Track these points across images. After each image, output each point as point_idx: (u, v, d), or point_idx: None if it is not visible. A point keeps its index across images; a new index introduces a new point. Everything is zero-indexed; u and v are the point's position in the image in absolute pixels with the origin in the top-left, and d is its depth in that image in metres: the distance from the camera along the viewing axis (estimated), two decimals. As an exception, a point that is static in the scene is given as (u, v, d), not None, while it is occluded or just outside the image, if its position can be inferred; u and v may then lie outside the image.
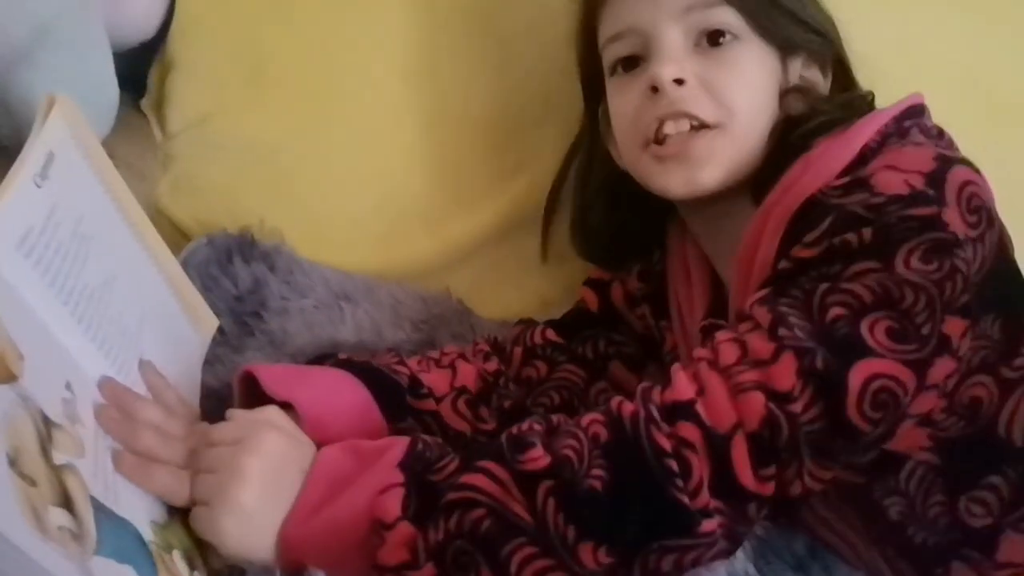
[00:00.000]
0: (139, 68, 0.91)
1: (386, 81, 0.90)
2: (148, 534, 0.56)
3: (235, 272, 0.83)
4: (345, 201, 0.91)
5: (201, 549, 0.60)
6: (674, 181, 0.70)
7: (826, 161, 0.64)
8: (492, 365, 0.80)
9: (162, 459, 0.60)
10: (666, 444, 0.54)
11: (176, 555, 0.58)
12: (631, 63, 0.73)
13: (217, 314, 0.77)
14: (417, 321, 0.88)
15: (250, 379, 0.69)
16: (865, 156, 0.63)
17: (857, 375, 0.55)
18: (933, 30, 0.89)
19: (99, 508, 0.52)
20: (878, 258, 0.58)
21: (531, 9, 0.89)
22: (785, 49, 0.72)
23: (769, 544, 0.64)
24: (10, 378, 0.50)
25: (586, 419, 0.57)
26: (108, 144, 0.72)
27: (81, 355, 0.59)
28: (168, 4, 0.88)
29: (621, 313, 0.83)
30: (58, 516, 0.48)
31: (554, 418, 0.59)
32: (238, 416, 0.62)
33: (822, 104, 0.71)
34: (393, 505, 0.56)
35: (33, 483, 0.48)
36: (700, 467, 0.54)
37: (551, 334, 0.82)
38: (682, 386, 0.56)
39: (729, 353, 0.57)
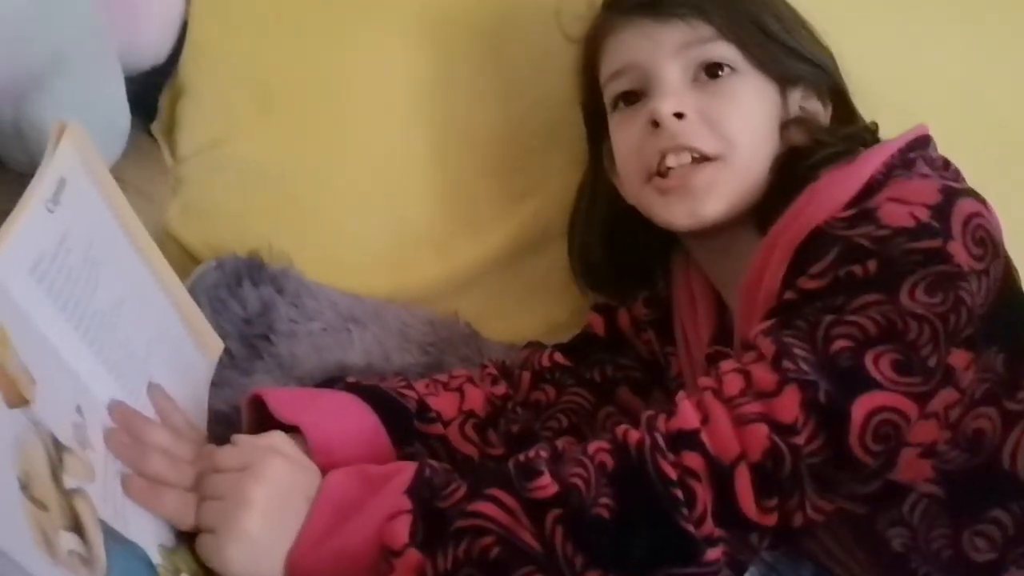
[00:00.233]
0: (150, 92, 0.92)
1: (395, 107, 0.91)
2: (157, 558, 0.56)
3: (244, 295, 0.84)
4: (353, 225, 0.91)
5: (209, 574, 0.60)
6: (678, 213, 0.71)
7: (832, 192, 0.64)
8: (500, 389, 0.80)
9: (171, 483, 0.60)
10: (671, 473, 0.54)
11: (184, 579, 0.58)
12: (632, 97, 0.75)
13: (225, 337, 0.78)
14: (425, 344, 0.88)
15: (258, 402, 0.69)
16: (871, 188, 0.64)
17: (860, 408, 0.55)
18: (934, 57, 0.90)
19: (108, 532, 0.52)
20: (883, 290, 0.58)
21: (539, 37, 0.89)
22: (783, 81, 0.73)
23: (776, 570, 0.64)
24: (22, 403, 0.50)
25: (592, 447, 0.57)
26: (118, 168, 0.73)
27: (91, 379, 0.59)
28: (179, 29, 0.89)
29: (628, 338, 0.84)
30: (68, 540, 0.48)
31: (560, 444, 0.60)
32: (243, 442, 0.62)
33: (825, 135, 0.71)
34: (401, 532, 0.56)
35: (44, 508, 0.48)
36: (704, 496, 0.54)
37: (559, 357, 0.82)
38: (687, 415, 0.57)
39: (733, 384, 0.57)
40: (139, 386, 0.65)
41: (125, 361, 0.63)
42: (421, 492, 0.58)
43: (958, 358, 0.58)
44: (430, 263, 0.92)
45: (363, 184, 0.92)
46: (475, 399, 0.78)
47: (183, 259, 0.88)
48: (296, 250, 0.88)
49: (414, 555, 0.55)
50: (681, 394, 0.59)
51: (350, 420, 0.70)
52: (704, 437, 0.56)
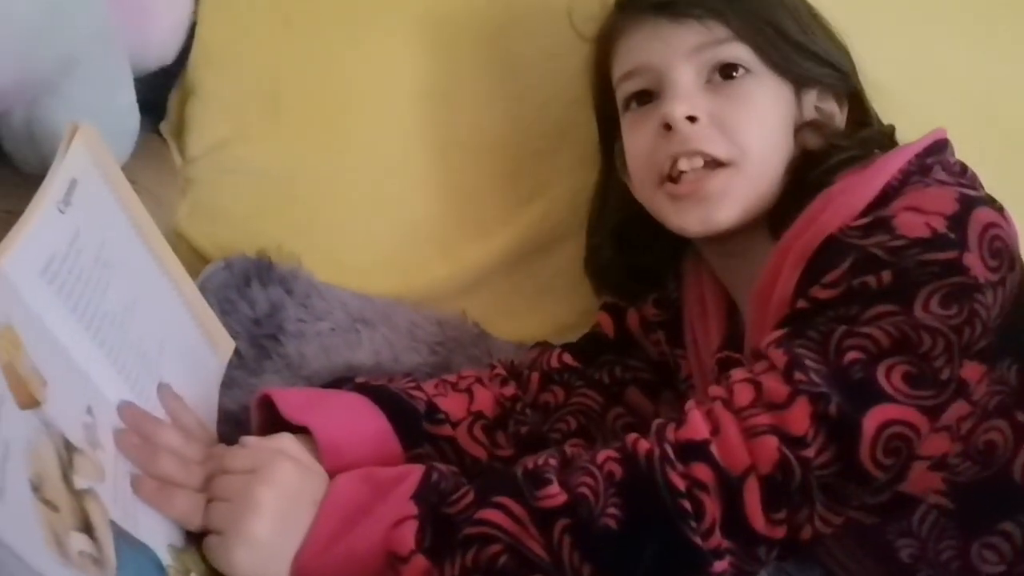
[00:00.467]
0: (159, 93, 0.92)
1: (402, 108, 0.91)
2: (166, 558, 0.57)
3: (253, 296, 0.84)
4: (362, 226, 0.91)
5: (218, 575, 0.60)
6: (690, 220, 0.70)
7: (847, 199, 0.64)
8: (509, 390, 0.80)
9: (180, 483, 0.60)
10: (680, 484, 0.54)
11: (194, 579, 0.58)
12: (644, 98, 0.74)
13: (234, 337, 0.78)
14: (433, 344, 0.88)
15: (268, 403, 0.69)
16: (887, 194, 0.63)
17: (871, 421, 0.55)
18: (947, 59, 0.90)
19: (118, 532, 0.53)
20: (897, 301, 0.58)
21: (547, 38, 0.89)
22: (799, 83, 0.73)
23: (786, 572, 0.64)
24: (33, 404, 0.50)
25: (601, 456, 0.57)
26: (127, 169, 0.73)
27: (102, 380, 0.59)
28: (188, 30, 0.89)
29: (637, 339, 0.83)
30: (79, 541, 0.49)
31: (568, 450, 0.59)
32: (251, 444, 0.62)
33: (840, 139, 0.71)
34: (408, 538, 0.56)
35: (55, 508, 0.48)
36: (712, 508, 0.54)
37: (568, 358, 0.82)
38: (697, 425, 0.56)
39: (744, 394, 0.57)
40: (150, 386, 0.65)
41: (136, 361, 0.63)
42: (428, 497, 0.58)
43: (971, 371, 0.58)
44: (438, 264, 0.93)
45: (371, 185, 0.92)
46: (484, 400, 0.78)
47: (192, 259, 0.88)
48: (304, 251, 0.88)
49: (421, 561, 0.56)
50: (691, 403, 0.59)
51: (359, 421, 0.70)
52: (714, 448, 0.55)
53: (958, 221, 0.60)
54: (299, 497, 0.59)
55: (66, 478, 0.50)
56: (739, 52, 0.71)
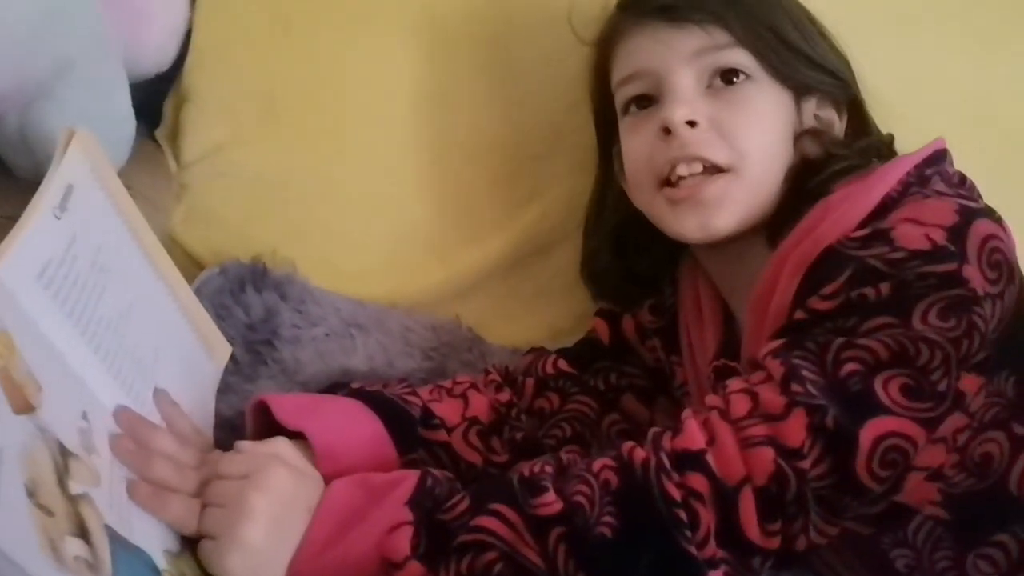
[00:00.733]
0: (154, 99, 0.92)
1: (398, 112, 0.91)
2: (162, 563, 0.56)
3: (247, 301, 0.84)
4: (358, 230, 0.92)
5: (213, 579, 0.60)
6: (688, 225, 0.70)
7: (846, 209, 0.64)
8: (504, 396, 0.80)
9: (175, 488, 0.60)
10: (676, 494, 0.54)
11: (189, 584, 0.58)
12: (643, 102, 0.74)
13: (230, 342, 0.78)
14: (427, 349, 0.88)
15: (263, 408, 0.69)
16: (886, 205, 0.63)
17: (868, 433, 0.55)
18: (944, 66, 0.90)
19: (114, 537, 0.53)
20: (895, 314, 0.58)
21: (543, 41, 0.89)
22: (799, 90, 0.72)
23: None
24: (29, 409, 0.50)
25: (597, 464, 0.57)
26: (123, 174, 0.73)
27: (97, 385, 0.59)
28: (184, 36, 0.89)
29: (632, 345, 0.83)
30: (74, 546, 0.49)
31: (564, 457, 0.59)
32: (246, 449, 0.62)
33: (839, 148, 0.70)
34: (402, 544, 0.56)
35: (50, 514, 0.48)
36: (707, 518, 0.54)
37: (563, 364, 0.82)
38: (693, 435, 0.56)
39: (740, 405, 0.57)
40: (146, 392, 0.65)
41: (132, 366, 0.63)
42: (423, 502, 0.58)
43: (968, 383, 0.58)
44: (433, 269, 0.93)
45: (367, 190, 0.92)
46: (479, 406, 0.78)
47: (187, 265, 0.88)
48: (299, 256, 0.88)
49: (416, 568, 0.56)
50: (687, 412, 0.59)
51: (355, 426, 0.70)
52: (710, 458, 0.55)
53: (957, 233, 0.60)
54: (293, 502, 0.59)
55: (61, 483, 0.50)
56: (740, 58, 0.71)
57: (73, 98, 0.73)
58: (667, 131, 0.70)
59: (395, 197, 0.92)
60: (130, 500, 0.57)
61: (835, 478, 0.55)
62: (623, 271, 0.82)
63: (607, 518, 0.54)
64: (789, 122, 0.71)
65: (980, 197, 0.66)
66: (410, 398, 0.75)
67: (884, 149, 0.71)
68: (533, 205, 0.92)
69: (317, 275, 0.88)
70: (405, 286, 0.91)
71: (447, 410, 0.76)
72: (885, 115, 0.76)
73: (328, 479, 0.62)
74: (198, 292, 0.81)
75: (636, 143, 0.74)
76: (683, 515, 0.54)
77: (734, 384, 0.59)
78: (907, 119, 0.74)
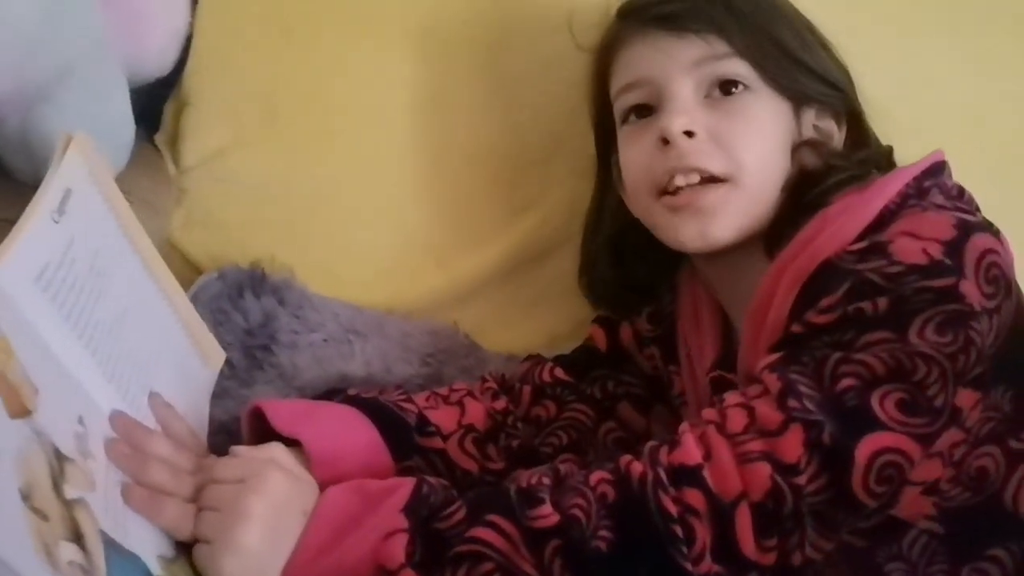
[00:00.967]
0: (154, 103, 0.92)
1: (397, 119, 0.91)
2: (156, 568, 0.56)
3: (245, 306, 0.84)
4: (356, 236, 0.92)
5: (208, 585, 0.60)
6: (687, 234, 0.70)
7: (844, 222, 0.63)
8: (500, 404, 0.80)
9: (171, 493, 0.60)
10: (673, 509, 0.54)
11: (183, 590, 0.58)
12: (642, 112, 0.74)
13: (227, 347, 0.78)
14: (425, 355, 0.88)
15: (258, 414, 0.69)
16: (884, 218, 0.63)
17: (864, 449, 0.55)
18: (942, 76, 0.90)
19: (108, 542, 0.53)
20: (892, 328, 0.58)
21: (543, 48, 0.89)
22: (798, 101, 0.72)
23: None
24: (24, 413, 0.50)
25: (595, 477, 0.57)
26: (122, 178, 0.73)
27: (93, 388, 0.59)
28: (184, 41, 0.89)
29: (630, 353, 0.83)
30: (69, 551, 0.49)
31: (562, 468, 0.59)
32: (242, 453, 0.62)
33: (837, 159, 0.70)
34: (397, 551, 0.56)
35: (45, 518, 0.48)
36: (703, 534, 0.54)
37: (560, 373, 0.82)
38: (690, 449, 0.56)
39: (737, 420, 0.57)
40: (141, 396, 0.65)
41: (128, 371, 0.63)
42: (418, 510, 0.58)
43: (965, 398, 0.58)
44: (431, 275, 0.93)
45: (366, 195, 0.92)
46: (475, 413, 0.78)
47: (186, 269, 0.88)
48: (298, 261, 0.88)
49: (410, 575, 0.55)
50: (684, 425, 0.59)
51: (350, 433, 0.70)
52: (706, 474, 0.55)
53: (955, 247, 0.59)
54: (289, 507, 0.59)
55: (57, 487, 0.50)
56: (739, 68, 0.70)
57: (73, 102, 0.73)
58: (665, 141, 0.70)
59: (394, 203, 0.92)
60: (125, 505, 0.57)
61: (831, 494, 0.55)
62: (621, 279, 0.82)
63: (603, 532, 0.55)
64: (788, 132, 0.71)
65: (978, 210, 0.66)
66: (406, 405, 0.75)
67: (883, 161, 0.71)
68: (532, 212, 0.92)
69: (315, 280, 0.88)
70: (403, 292, 0.91)
71: (443, 417, 0.76)
72: (883, 124, 0.76)
73: (323, 485, 0.62)
74: (196, 297, 0.81)
75: (634, 152, 0.74)
76: (679, 531, 0.54)
77: (731, 398, 0.59)
78: (905, 129, 0.74)
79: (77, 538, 0.50)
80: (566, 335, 0.90)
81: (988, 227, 0.63)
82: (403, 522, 0.57)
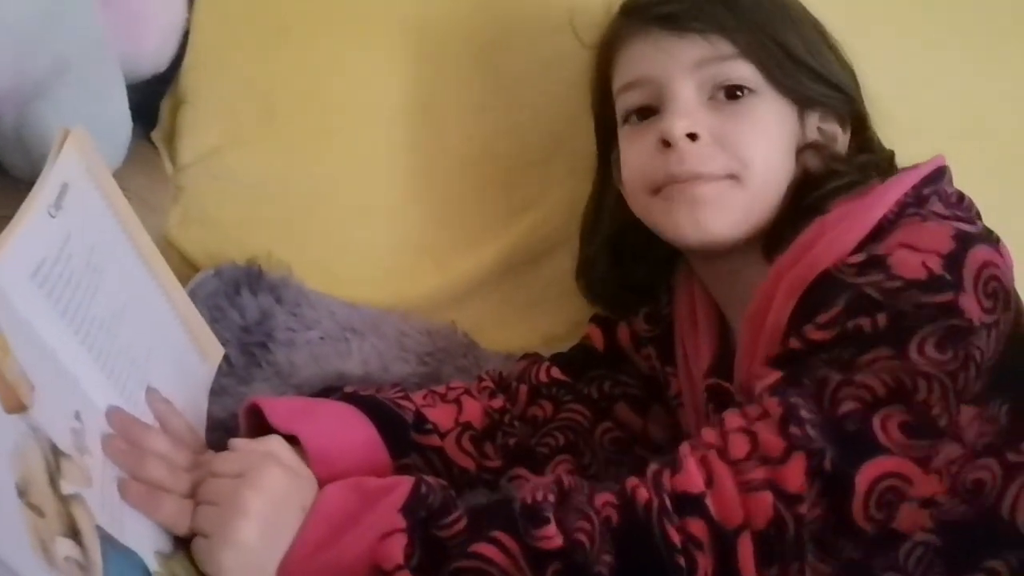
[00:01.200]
0: (151, 100, 0.92)
1: (395, 118, 0.91)
2: (153, 564, 0.56)
3: (242, 303, 0.84)
4: (353, 235, 0.92)
5: (205, 580, 0.60)
6: (683, 222, 0.69)
7: (842, 230, 0.63)
8: (498, 402, 0.80)
9: (168, 488, 0.60)
10: (676, 539, 0.54)
11: (181, 586, 0.58)
12: (644, 112, 0.72)
13: (224, 345, 0.78)
14: (422, 354, 0.88)
15: (256, 411, 0.69)
16: (883, 227, 0.62)
17: (865, 476, 0.55)
18: (937, 76, 0.90)
19: (105, 538, 0.52)
20: (892, 345, 0.57)
21: (541, 48, 0.89)
22: (802, 103, 0.71)
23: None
24: (21, 409, 0.50)
25: (600, 499, 0.57)
26: (118, 176, 0.73)
27: (90, 384, 0.59)
28: (181, 38, 0.89)
29: (627, 353, 0.83)
30: (65, 547, 0.48)
31: (566, 481, 0.59)
32: (241, 447, 0.62)
33: (839, 164, 0.69)
34: (394, 552, 0.56)
35: (41, 514, 0.48)
36: (705, 564, 0.54)
37: (556, 372, 0.81)
38: (692, 476, 0.56)
39: (739, 446, 0.57)
40: (138, 391, 0.65)
41: (125, 366, 0.63)
42: (416, 510, 0.57)
43: (964, 413, 0.57)
44: (429, 274, 0.93)
45: (362, 195, 0.92)
46: (472, 411, 0.78)
47: (182, 267, 0.88)
48: (295, 260, 0.88)
49: None
50: (685, 448, 0.58)
51: (348, 431, 0.70)
52: (709, 502, 0.55)
53: (954, 260, 0.59)
54: (287, 502, 0.59)
55: (53, 483, 0.50)
56: (743, 70, 0.69)
57: (70, 99, 0.73)
58: (667, 143, 0.68)
59: (391, 202, 0.92)
60: (122, 500, 0.57)
61: (830, 519, 0.55)
62: (619, 279, 0.81)
63: (606, 556, 0.54)
64: (792, 135, 0.70)
65: (978, 216, 0.66)
66: (403, 403, 0.75)
67: (884, 165, 0.70)
68: (529, 212, 0.92)
69: (312, 279, 0.88)
70: (401, 291, 0.91)
71: (440, 415, 0.76)
72: (884, 125, 0.76)
73: (322, 483, 0.61)
74: (193, 294, 0.81)
75: (634, 153, 0.72)
76: (682, 561, 0.54)
77: (731, 420, 0.58)
78: (905, 129, 0.74)
79: (74, 534, 0.50)
80: (563, 336, 0.90)
81: (987, 237, 0.63)
82: (401, 522, 0.57)
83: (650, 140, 0.70)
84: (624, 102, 0.74)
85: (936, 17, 0.92)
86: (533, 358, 0.84)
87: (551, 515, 0.56)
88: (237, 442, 0.62)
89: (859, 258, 0.61)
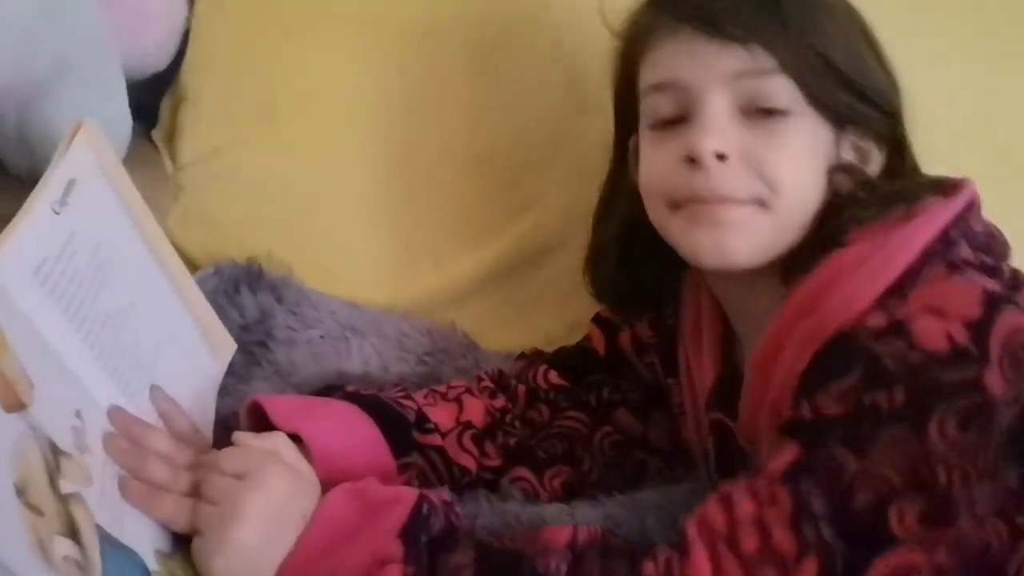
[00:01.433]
0: (151, 99, 0.92)
1: (395, 117, 0.91)
2: (153, 564, 0.56)
3: (242, 302, 0.84)
4: (353, 235, 0.92)
5: (205, 580, 0.59)
6: (704, 245, 0.64)
7: (861, 281, 0.59)
8: (499, 402, 0.79)
9: (169, 487, 0.60)
10: None
11: (180, 585, 0.58)
12: (672, 118, 0.66)
13: (223, 343, 0.78)
14: (422, 354, 0.88)
15: (258, 409, 0.69)
16: (905, 279, 0.58)
17: (878, 571, 0.52)
18: (939, 76, 0.90)
19: (104, 537, 0.52)
20: (910, 425, 0.54)
21: (541, 49, 0.89)
22: (841, 123, 0.66)
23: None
24: (20, 407, 0.50)
25: None
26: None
27: (92, 382, 0.59)
28: (182, 37, 0.89)
29: (629, 359, 0.81)
30: (64, 546, 0.48)
31: (580, 541, 0.57)
32: (245, 442, 0.61)
33: (865, 191, 0.64)
34: None
35: (40, 513, 0.48)
36: None
37: (554, 377, 0.80)
38: (701, 568, 0.54)
39: (750, 539, 0.55)
40: (143, 389, 0.64)
41: (130, 364, 0.63)
42: (416, 534, 0.57)
43: (979, 487, 0.54)
44: (428, 274, 0.93)
45: (363, 195, 0.92)
46: (473, 410, 0.77)
47: (182, 266, 0.87)
48: (295, 259, 0.88)
49: None
50: (692, 528, 0.56)
51: (350, 429, 0.70)
52: None
53: (981, 330, 0.55)
54: (288, 507, 0.58)
55: (52, 482, 0.50)
56: (782, 87, 0.63)
57: (70, 97, 0.73)
58: (693, 160, 0.64)
59: (391, 201, 0.92)
60: (122, 499, 0.57)
61: None
62: (625, 278, 0.77)
63: None
64: (826, 157, 0.65)
65: (1007, 252, 0.63)
66: (405, 402, 0.75)
67: (912, 192, 0.64)
68: (529, 213, 0.92)
69: (312, 279, 0.89)
70: (401, 291, 0.91)
71: (441, 414, 0.76)
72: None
73: (323, 482, 0.61)
74: (192, 293, 0.81)
75: (657, 161, 0.67)
76: None
77: (741, 504, 0.56)
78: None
79: (72, 533, 0.50)
80: (562, 337, 0.89)
81: (1016, 287, 0.59)
82: (398, 550, 0.56)
83: (675, 151, 0.65)
84: (650, 104, 0.68)
85: (935, 17, 0.92)
86: (531, 359, 0.84)
87: None
88: (241, 436, 0.62)
89: (879, 321, 0.57)
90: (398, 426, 0.72)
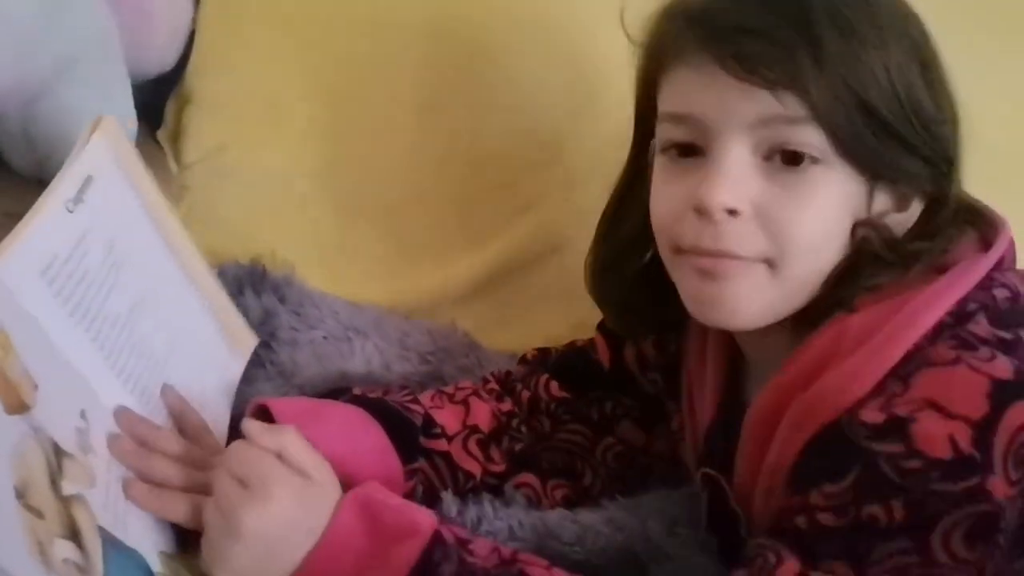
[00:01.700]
0: (156, 99, 0.92)
1: (398, 118, 0.91)
2: (156, 565, 0.56)
3: (246, 303, 0.83)
4: (356, 235, 0.92)
5: (208, 581, 0.59)
6: (705, 302, 0.60)
7: (863, 360, 0.56)
8: (506, 405, 0.77)
9: (175, 487, 0.59)
10: None
11: (185, 587, 0.58)
12: (687, 149, 0.61)
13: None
14: (425, 354, 0.88)
15: (263, 411, 0.68)
16: (911, 358, 0.55)
17: None
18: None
19: (107, 539, 0.52)
20: (912, 538, 0.52)
21: (544, 51, 0.89)
22: (877, 177, 0.59)
23: None
24: (23, 408, 0.50)
25: None
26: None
27: (99, 383, 0.59)
28: (187, 38, 0.89)
29: (632, 374, 0.78)
30: (64, 549, 0.48)
31: None
32: (255, 433, 0.60)
33: (888, 251, 0.59)
34: None
35: (40, 515, 0.48)
36: None
37: (555, 388, 0.78)
38: None
39: None
40: (154, 388, 0.64)
41: (141, 363, 0.62)
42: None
43: None
44: (431, 274, 0.92)
45: (366, 194, 0.92)
46: (480, 413, 0.76)
47: (186, 266, 0.88)
48: (298, 259, 0.88)
49: None
50: None
51: (358, 434, 0.69)
52: None
53: (985, 430, 0.52)
54: (292, 527, 0.57)
55: (54, 484, 0.50)
56: (811, 137, 0.57)
57: (75, 97, 0.73)
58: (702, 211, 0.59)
59: (394, 202, 0.92)
60: (127, 500, 0.57)
61: None
62: (630, 300, 0.72)
63: None
64: (852, 212, 0.59)
65: None
66: (412, 406, 0.73)
67: (941, 254, 0.59)
68: (531, 213, 0.92)
69: (315, 278, 0.88)
70: (402, 291, 0.91)
71: (448, 417, 0.74)
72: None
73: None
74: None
75: (665, 197, 0.62)
76: None
77: None
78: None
79: (73, 535, 0.50)
80: (564, 337, 0.88)
81: None
82: None
83: (685, 194, 0.60)
84: (666, 131, 0.62)
85: (935, 17, 0.91)
86: (533, 365, 0.81)
87: None
88: (252, 429, 0.60)
89: (876, 417, 0.54)
90: (406, 431, 0.71)
